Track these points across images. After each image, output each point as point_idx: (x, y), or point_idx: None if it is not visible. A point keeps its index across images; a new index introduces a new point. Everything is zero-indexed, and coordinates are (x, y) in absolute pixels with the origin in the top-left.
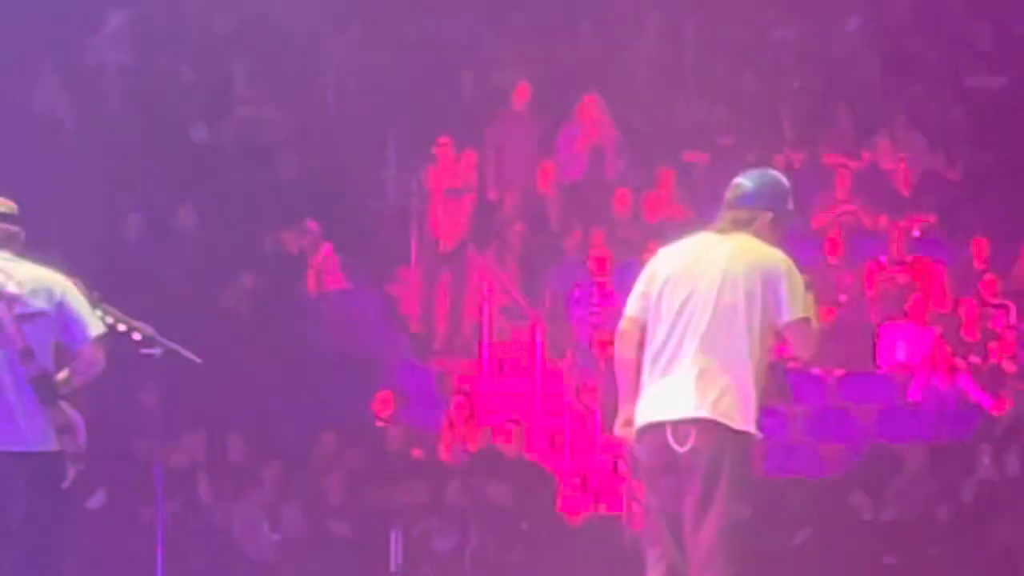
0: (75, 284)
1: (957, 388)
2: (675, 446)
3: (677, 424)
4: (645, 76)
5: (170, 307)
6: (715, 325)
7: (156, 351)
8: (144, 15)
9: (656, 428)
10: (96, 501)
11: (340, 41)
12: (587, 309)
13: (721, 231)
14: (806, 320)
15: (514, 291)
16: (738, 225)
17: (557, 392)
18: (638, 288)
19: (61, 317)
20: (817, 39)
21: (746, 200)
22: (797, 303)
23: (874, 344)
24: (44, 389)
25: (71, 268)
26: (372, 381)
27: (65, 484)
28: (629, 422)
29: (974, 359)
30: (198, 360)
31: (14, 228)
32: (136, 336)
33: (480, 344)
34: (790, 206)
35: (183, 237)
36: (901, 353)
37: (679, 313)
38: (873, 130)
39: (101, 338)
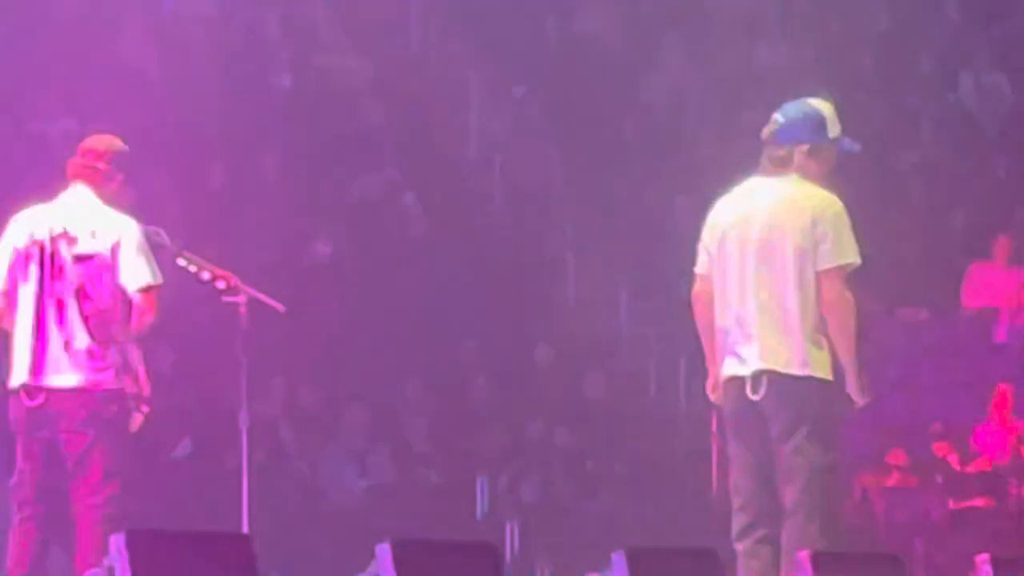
0: (147, 232)
1: None
2: (752, 396)
3: (753, 377)
4: (727, 20)
5: (254, 256)
6: (770, 275)
7: (240, 299)
8: None
9: (734, 381)
10: (182, 450)
11: None
12: None
13: (765, 172)
14: (840, 272)
15: None
16: (776, 163)
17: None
18: (702, 241)
19: (116, 261)
20: None
21: (780, 136)
22: (837, 250)
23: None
24: (99, 328)
25: (154, 218)
26: (456, 326)
27: (132, 428)
28: (717, 386)
29: None
30: (282, 308)
31: (101, 166)
32: (220, 284)
33: None
34: (830, 134)
35: (266, 186)
36: (987, 294)
37: (736, 266)
38: (956, 72)
39: (149, 288)
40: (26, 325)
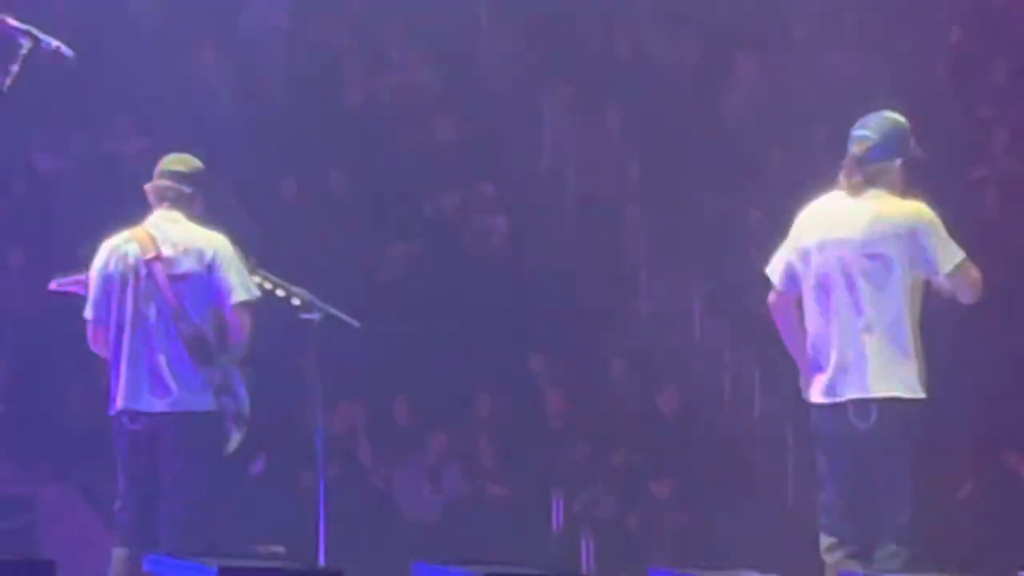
0: (236, 249)
1: None
2: (857, 423)
3: (857, 402)
4: (799, 35)
5: (328, 272)
6: (868, 297)
7: (315, 316)
8: None
9: (836, 407)
10: (258, 467)
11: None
12: None
13: (854, 190)
14: (964, 264)
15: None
16: (869, 179)
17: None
18: (784, 252)
19: (211, 279)
20: None
21: (875, 153)
22: (950, 250)
23: None
24: (197, 349)
25: (230, 234)
26: (533, 343)
27: (230, 447)
28: (807, 386)
29: None
30: (356, 324)
31: (187, 189)
32: (295, 301)
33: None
34: (913, 146)
35: (339, 201)
36: None
37: (830, 287)
38: None
39: (246, 304)
40: (124, 351)
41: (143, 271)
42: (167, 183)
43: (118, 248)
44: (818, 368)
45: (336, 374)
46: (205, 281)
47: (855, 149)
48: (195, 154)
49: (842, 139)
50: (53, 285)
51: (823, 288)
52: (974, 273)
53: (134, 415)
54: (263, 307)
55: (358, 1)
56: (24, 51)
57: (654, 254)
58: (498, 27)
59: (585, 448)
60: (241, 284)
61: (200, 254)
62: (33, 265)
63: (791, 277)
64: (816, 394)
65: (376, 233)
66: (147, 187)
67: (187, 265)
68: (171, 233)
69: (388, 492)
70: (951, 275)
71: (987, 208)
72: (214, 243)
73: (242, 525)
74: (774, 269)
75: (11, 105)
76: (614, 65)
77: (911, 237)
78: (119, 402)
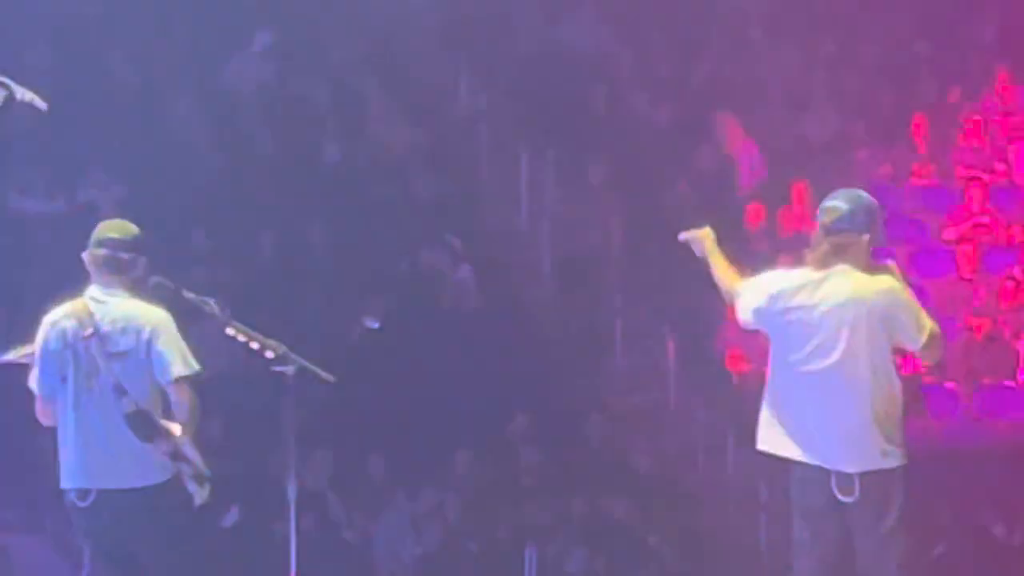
0: (196, 301)
1: None
2: (842, 497)
3: (839, 475)
4: (779, 91)
5: (304, 325)
6: (845, 370)
7: (289, 369)
8: (281, 37)
9: (816, 472)
10: (230, 519)
11: (472, 59)
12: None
13: (823, 262)
14: (936, 334)
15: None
16: (838, 252)
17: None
18: (754, 301)
19: (148, 355)
20: (952, 53)
21: (843, 223)
22: (921, 322)
23: (1012, 358)
24: (140, 426)
25: (206, 286)
26: (508, 400)
27: (196, 502)
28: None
29: None
30: (331, 379)
31: (125, 256)
32: (268, 354)
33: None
34: (881, 225)
35: (317, 255)
36: None
37: (805, 359)
38: (1008, 142)
39: (184, 379)
40: (69, 428)
41: (81, 348)
42: (103, 251)
43: (56, 324)
44: (780, 424)
45: (310, 428)
46: (142, 358)
47: (824, 219)
48: (175, 205)
49: (819, 198)
50: (4, 359)
51: (793, 358)
52: (940, 339)
53: (82, 493)
54: (236, 359)
55: (338, 57)
56: None
57: (630, 311)
58: (477, 83)
59: (558, 503)
60: (180, 359)
61: (138, 331)
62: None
63: (755, 322)
64: (782, 446)
65: (353, 288)
66: (84, 255)
67: (124, 343)
68: (109, 307)
69: (362, 546)
70: (925, 346)
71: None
72: (152, 318)
73: None
74: (741, 310)
75: None
76: (591, 122)
77: (886, 313)
78: (65, 480)
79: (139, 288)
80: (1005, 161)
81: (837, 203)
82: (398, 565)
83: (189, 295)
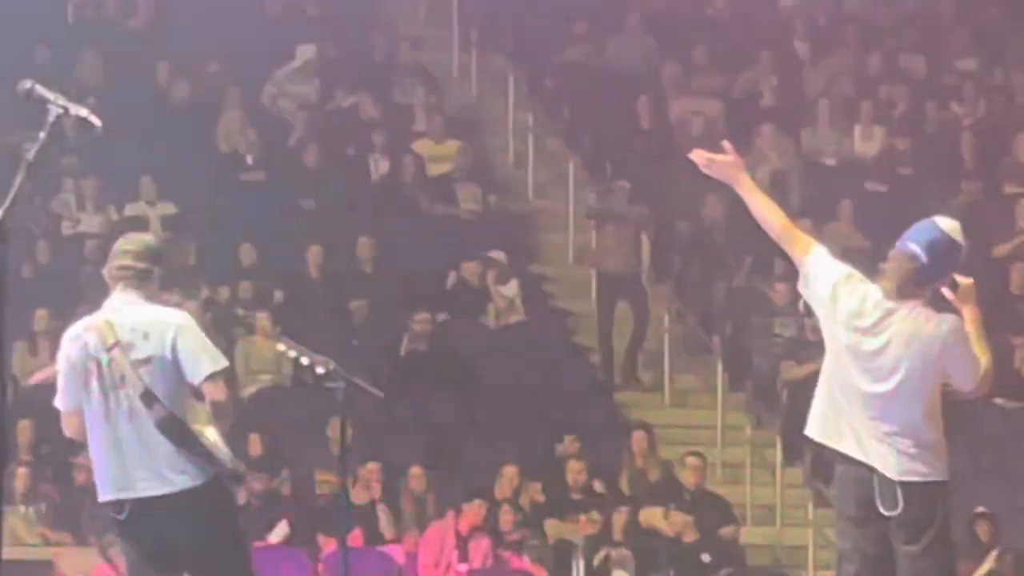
0: (240, 317)
1: None
2: (887, 512)
3: (883, 481)
4: (827, 108)
5: (352, 339)
6: (902, 392)
7: (339, 385)
8: (325, 50)
9: (862, 473)
10: (278, 533)
11: (518, 72)
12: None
13: (895, 295)
14: (984, 378)
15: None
16: (909, 293)
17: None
18: (818, 284)
19: (175, 357)
20: (997, 69)
21: (922, 275)
22: (976, 371)
23: None
24: (172, 431)
25: (256, 300)
26: (553, 414)
27: (239, 502)
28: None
29: None
30: (380, 394)
31: (142, 265)
32: (319, 370)
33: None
34: (957, 265)
35: (364, 270)
36: None
37: (872, 373)
38: None
39: (216, 375)
40: (101, 441)
41: (105, 359)
42: (121, 263)
43: (77, 338)
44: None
45: (359, 443)
46: (168, 361)
47: (904, 263)
48: (223, 221)
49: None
50: (33, 379)
51: (853, 366)
52: (990, 377)
53: (118, 505)
54: (286, 376)
55: (383, 73)
56: (52, 119)
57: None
58: (521, 97)
59: (604, 517)
60: (208, 356)
61: (161, 336)
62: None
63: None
64: (831, 437)
65: (401, 302)
66: (104, 271)
67: (148, 349)
68: (129, 317)
69: (409, 560)
70: (974, 390)
71: (1011, 284)
72: (173, 320)
73: None
74: (812, 281)
75: (39, 169)
76: (633, 136)
77: (944, 352)
78: (101, 493)
79: (157, 298)
80: None
81: (919, 252)
82: None
83: (240, 311)
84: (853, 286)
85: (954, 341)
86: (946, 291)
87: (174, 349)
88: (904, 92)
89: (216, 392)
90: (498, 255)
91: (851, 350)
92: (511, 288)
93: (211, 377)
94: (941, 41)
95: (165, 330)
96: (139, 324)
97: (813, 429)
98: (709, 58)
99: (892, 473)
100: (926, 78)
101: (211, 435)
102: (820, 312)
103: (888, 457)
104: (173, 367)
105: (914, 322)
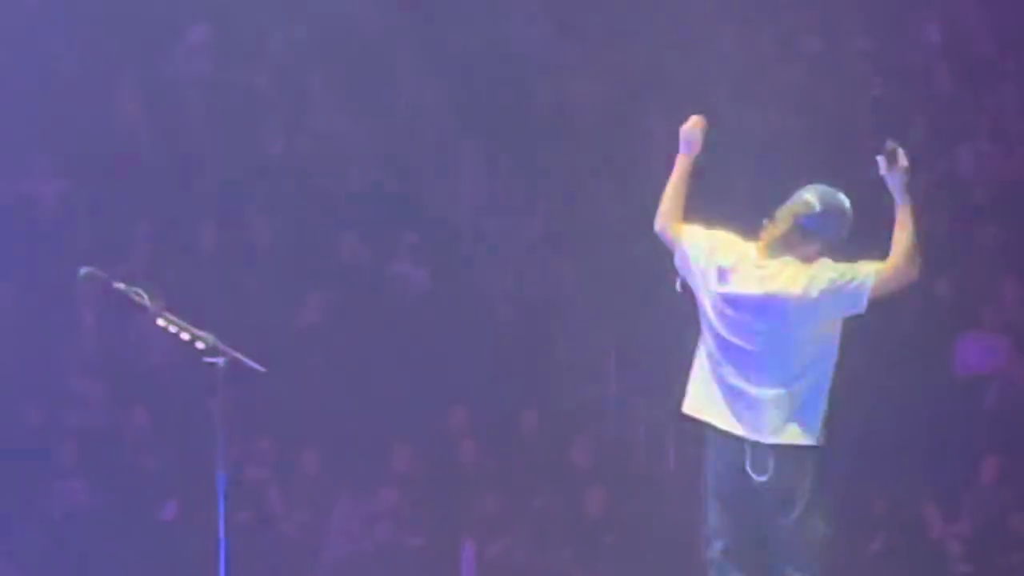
0: (127, 292)
1: None
2: (758, 477)
3: (754, 447)
4: (713, 90)
5: (243, 317)
6: (770, 351)
7: (219, 360)
8: (221, 28)
9: (731, 443)
10: (168, 512)
11: (414, 51)
12: None
13: (771, 251)
14: (874, 276)
15: None
16: (790, 247)
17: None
18: (693, 254)
19: None
20: (895, 49)
21: (811, 224)
22: (861, 277)
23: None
24: None
25: (145, 276)
26: (445, 392)
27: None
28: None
29: None
30: (262, 369)
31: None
32: (199, 345)
33: None
34: (845, 236)
35: (256, 247)
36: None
37: (738, 333)
38: (953, 142)
39: None
40: None
41: None
42: None
43: None
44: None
45: (245, 420)
46: None
47: (796, 208)
48: (114, 197)
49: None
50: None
51: (726, 329)
52: (910, 264)
53: None
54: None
55: (281, 47)
56: None
57: (570, 299)
58: (420, 77)
59: (498, 498)
60: None
61: None
62: None
63: (686, 274)
64: (704, 410)
65: (292, 280)
66: None
67: None
68: None
69: (298, 539)
70: (874, 290)
71: None
72: None
73: (152, 570)
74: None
75: None
76: (531, 118)
77: (822, 299)
78: None
79: None
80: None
81: (812, 200)
82: (333, 558)
83: (119, 286)
84: (727, 247)
85: (829, 283)
86: (880, 160)
87: None
88: (797, 72)
89: None
90: (399, 234)
91: (718, 311)
92: (400, 265)
93: None
94: (836, 20)
95: None
96: None
97: (688, 405)
98: (602, 36)
99: (763, 436)
100: (821, 57)
101: None
102: (694, 282)
103: (759, 420)
104: None
105: (791, 275)
